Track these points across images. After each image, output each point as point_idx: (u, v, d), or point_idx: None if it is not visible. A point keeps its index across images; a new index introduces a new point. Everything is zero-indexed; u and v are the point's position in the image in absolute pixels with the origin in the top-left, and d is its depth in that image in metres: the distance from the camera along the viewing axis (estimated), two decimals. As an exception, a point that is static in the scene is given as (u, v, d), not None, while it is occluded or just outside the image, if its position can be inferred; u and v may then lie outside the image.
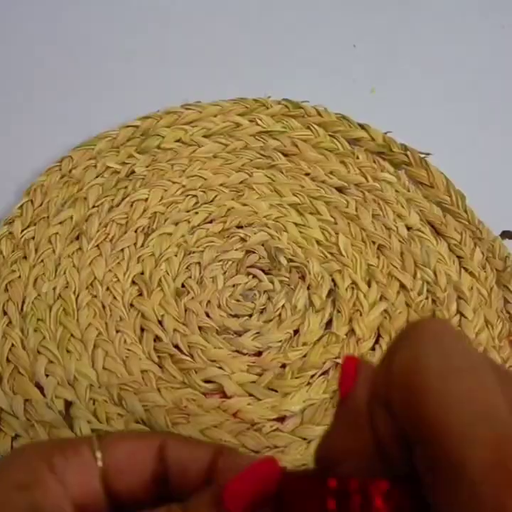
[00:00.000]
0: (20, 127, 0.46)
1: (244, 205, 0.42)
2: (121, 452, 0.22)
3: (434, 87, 0.48)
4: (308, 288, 0.39)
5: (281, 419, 0.35)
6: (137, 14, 0.52)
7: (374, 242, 0.40)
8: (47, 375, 0.35)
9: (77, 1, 0.52)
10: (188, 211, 0.42)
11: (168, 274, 0.39)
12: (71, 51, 0.50)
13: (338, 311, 0.38)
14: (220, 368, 0.36)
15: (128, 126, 0.45)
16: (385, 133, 0.44)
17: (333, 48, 0.50)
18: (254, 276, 0.40)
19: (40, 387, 0.35)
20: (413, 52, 0.50)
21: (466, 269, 0.40)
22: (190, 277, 0.39)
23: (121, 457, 0.22)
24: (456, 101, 0.48)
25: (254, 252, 0.40)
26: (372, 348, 0.37)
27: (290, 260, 0.40)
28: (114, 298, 0.38)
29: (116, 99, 0.47)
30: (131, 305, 0.38)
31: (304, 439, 0.34)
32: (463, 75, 0.49)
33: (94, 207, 0.42)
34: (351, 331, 0.37)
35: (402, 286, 0.39)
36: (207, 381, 0.36)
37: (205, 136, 0.45)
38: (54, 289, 0.38)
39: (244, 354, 0.37)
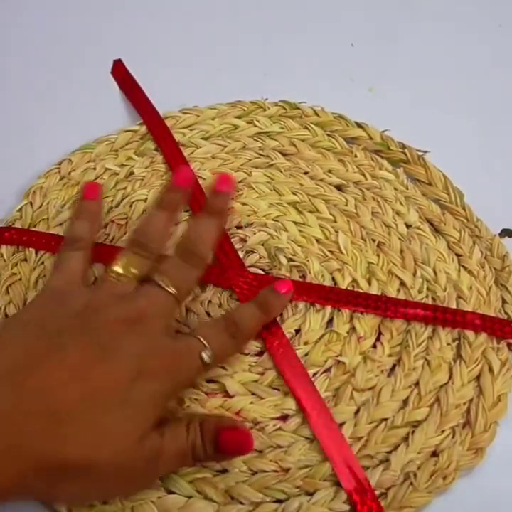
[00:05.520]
0: (20, 130, 0.46)
1: (244, 204, 0.42)
2: None
3: (431, 86, 0.48)
4: (308, 287, 0.39)
5: (284, 418, 0.35)
6: (135, 18, 0.52)
7: (374, 240, 0.40)
8: (49, 377, 0.35)
9: (75, 4, 0.52)
10: (187, 211, 0.42)
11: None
12: (70, 55, 0.50)
13: (339, 310, 0.38)
14: (222, 367, 0.36)
15: (127, 131, 0.45)
16: (383, 131, 0.45)
17: (331, 47, 0.51)
18: (255, 276, 0.40)
19: (42, 389, 0.35)
20: (411, 50, 0.50)
21: (465, 268, 0.40)
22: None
23: None
24: (453, 99, 0.48)
25: (254, 252, 0.40)
26: (374, 346, 0.37)
27: (290, 259, 0.40)
28: (115, 299, 0.38)
29: (115, 104, 0.47)
30: (132, 306, 0.38)
31: (307, 438, 0.34)
32: (460, 73, 0.49)
33: (93, 208, 0.42)
34: (352, 329, 0.37)
35: (402, 283, 0.39)
36: (209, 381, 0.36)
37: (203, 139, 0.45)
38: (54, 290, 0.38)
39: (246, 354, 0.37)
